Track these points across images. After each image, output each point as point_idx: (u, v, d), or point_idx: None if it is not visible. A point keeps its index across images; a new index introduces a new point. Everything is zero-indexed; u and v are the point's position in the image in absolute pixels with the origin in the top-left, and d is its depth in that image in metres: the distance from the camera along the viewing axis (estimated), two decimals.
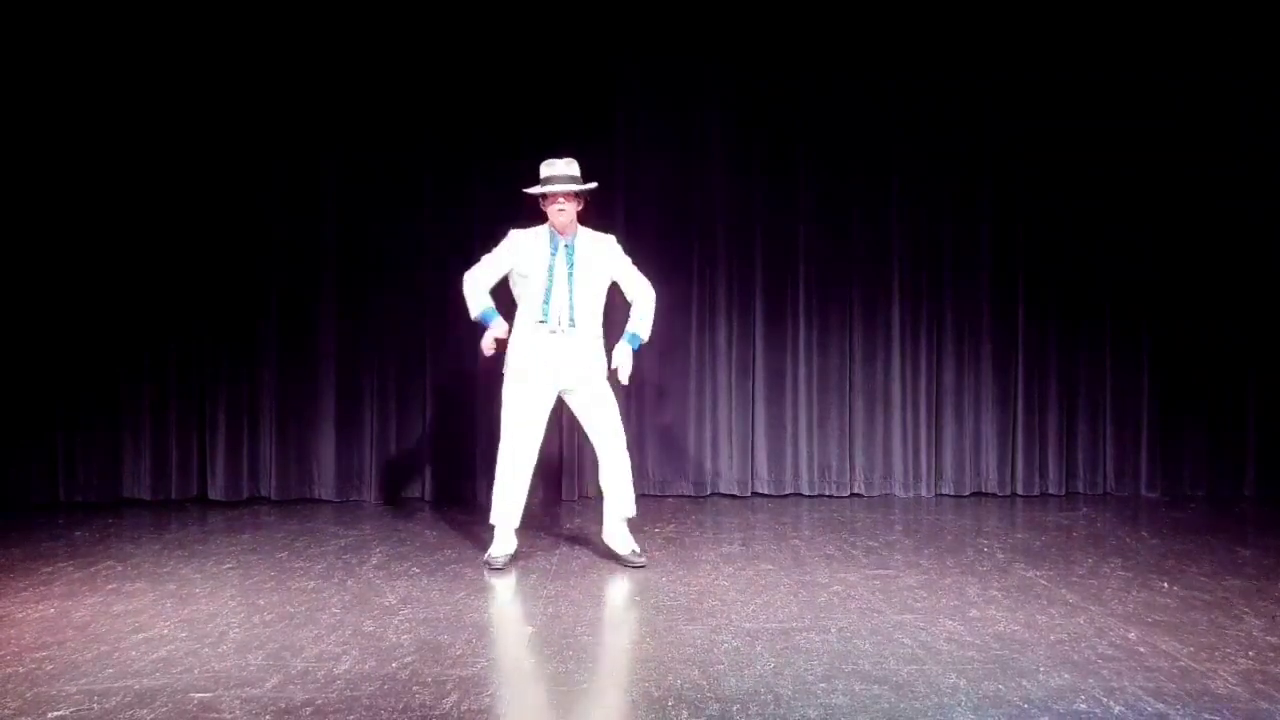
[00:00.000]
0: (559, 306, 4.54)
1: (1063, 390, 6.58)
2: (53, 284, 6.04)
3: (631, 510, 4.73)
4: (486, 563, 4.61)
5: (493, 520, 4.65)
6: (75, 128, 6.02)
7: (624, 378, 4.61)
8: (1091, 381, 6.59)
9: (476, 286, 4.59)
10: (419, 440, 6.35)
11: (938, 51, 6.37)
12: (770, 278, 6.53)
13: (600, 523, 4.79)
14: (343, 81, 6.20)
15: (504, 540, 4.65)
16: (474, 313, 4.58)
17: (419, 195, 6.28)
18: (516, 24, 6.22)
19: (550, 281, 4.54)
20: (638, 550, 4.70)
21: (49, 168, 6.02)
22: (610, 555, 4.74)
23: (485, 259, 4.64)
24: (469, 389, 6.34)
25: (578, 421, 4.84)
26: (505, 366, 4.63)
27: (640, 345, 4.66)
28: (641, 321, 4.66)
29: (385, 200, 6.25)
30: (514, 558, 4.67)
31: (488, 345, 4.54)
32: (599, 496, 4.88)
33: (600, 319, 4.66)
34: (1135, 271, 6.54)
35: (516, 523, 4.66)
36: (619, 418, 4.69)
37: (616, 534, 4.73)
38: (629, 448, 4.77)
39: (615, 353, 4.59)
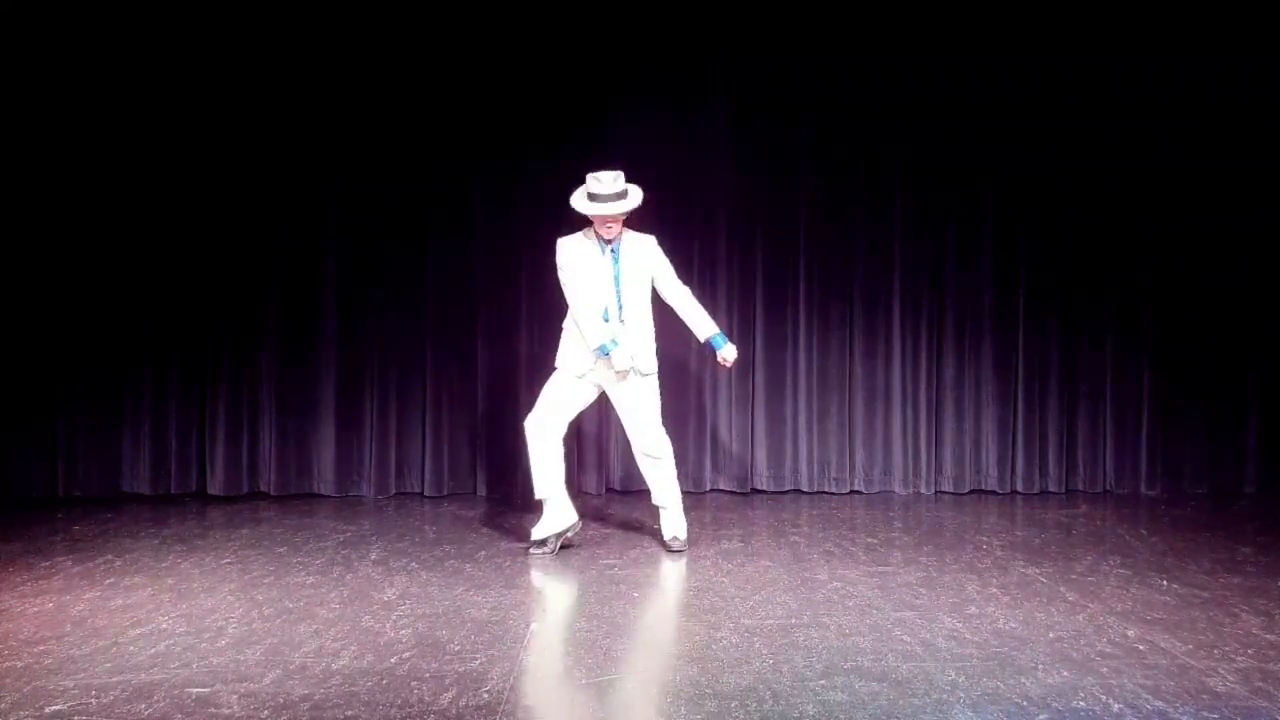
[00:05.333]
0: (609, 307, 4.70)
1: (1063, 387, 6.56)
2: (54, 279, 6.03)
3: (665, 500, 4.87)
4: (563, 540, 4.80)
5: (539, 495, 4.79)
6: (85, 136, 6.03)
7: (731, 359, 4.88)
8: (1092, 378, 6.57)
9: (589, 322, 4.68)
10: (418, 436, 6.34)
11: (940, 49, 6.34)
12: (771, 274, 6.52)
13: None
14: (345, 84, 6.16)
15: (561, 512, 4.79)
16: (592, 344, 4.68)
17: (420, 190, 6.27)
18: (514, 32, 6.18)
19: (601, 286, 4.71)
20: (679, 537, 4.84)
21: (57, 172, 6.02)
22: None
23: (569, 294, 4.74)
24: (469, 384, 6.35)
25: (612, 413, 4.96)
26: (558, 360, 4.81)
27: (722, 343, 4.85)
28: (709, 319, 4.87)
29: (386, 197, 6.24)
30: (561, 537, 4.79)
31: (619, 368, 4.70)
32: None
33: (649, 316, 4.82)
34: (1136, 268, 6.52)
35: (558, 485, 4.78)
36: (656, 414, 4.82)
37: (662, 520, 4.91)
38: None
39: (722, 353, 4.84)
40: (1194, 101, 6.37)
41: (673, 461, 4.90)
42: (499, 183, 6.28)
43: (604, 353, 4.66)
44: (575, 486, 6.31)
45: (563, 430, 4.80)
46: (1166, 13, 6.29)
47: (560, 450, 4.79)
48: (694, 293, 4.96)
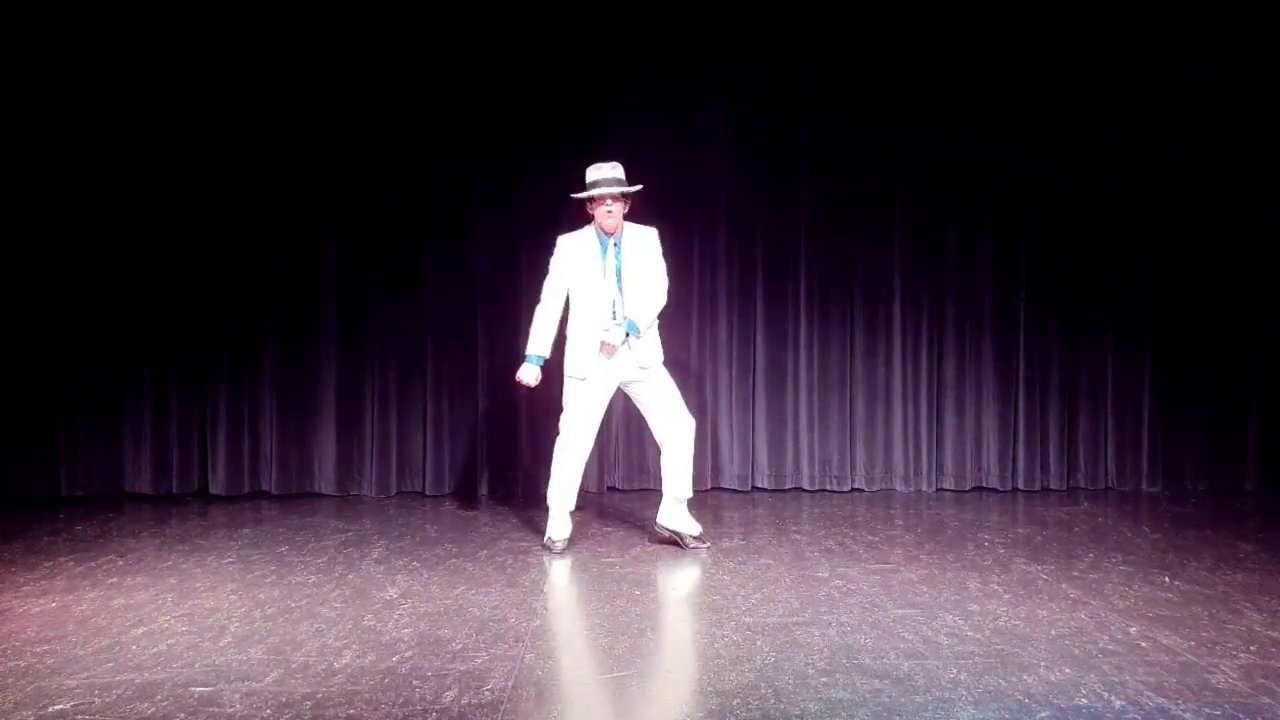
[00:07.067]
0: (613, 305, 4.72)
1: (1064, 384, 6.57)
2: (55, 280, 6.03)
3: (689, 493, 4.89)
4: (546, 546, 4.82)
5: (549, 504, 4.87)
6: (85, 136, 6.03)
7: (603, 351, 4.72)
8: (1093, 375, 6.58)
9: (540, 325, 4.81)
10: (419, 435, 6.34)
11: (940, 49, 6.33)
12: (771, 274, 6.52)
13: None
14: (345, 84, 6.15)
15: (560, 523, 4.86)
16: (528, 349, 4.80)
17: (420, 190, 6.27)
18: (514, 31, 6.18)
19: (603, 282, 4.73)
20: (698, 533, 4.88)
21: (57, 172, 6.01)
22: (667, 539, 4.90)
23: (545, 288, 4.82)
24: (470, 383, 6.35)
25: (613, 413, 4.95)
26: (565, 367, 4.80)
27: (635, 331, 4.73)
28: (637, 309, 4.74)
29: (386, 197, 6.23)
30: (570, 540, 4.86)
31: (523, 380, 4.80)
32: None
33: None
34: (1136, 268, 6.52)
35: (571, 506, 4.89)
36: (682, 404, 4.86)
37: (677, 515, 4.91)
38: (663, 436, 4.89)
39: (607, 331, 4.73)
40: (1194, 101, 6.37)
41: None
42: (499, 183, 6.28)
43: (531, 363, 4.75)
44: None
45: (590, 446, 4.86)
46: (1166, 13, 6.29)
47: (581, 469, 4.85)
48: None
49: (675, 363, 6.39)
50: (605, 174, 4.70)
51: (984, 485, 6.53)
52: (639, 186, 4.76)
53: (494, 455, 6.35)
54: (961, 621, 3.64)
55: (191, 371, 6.22)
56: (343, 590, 4.10)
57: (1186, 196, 6.45)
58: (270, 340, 6.24)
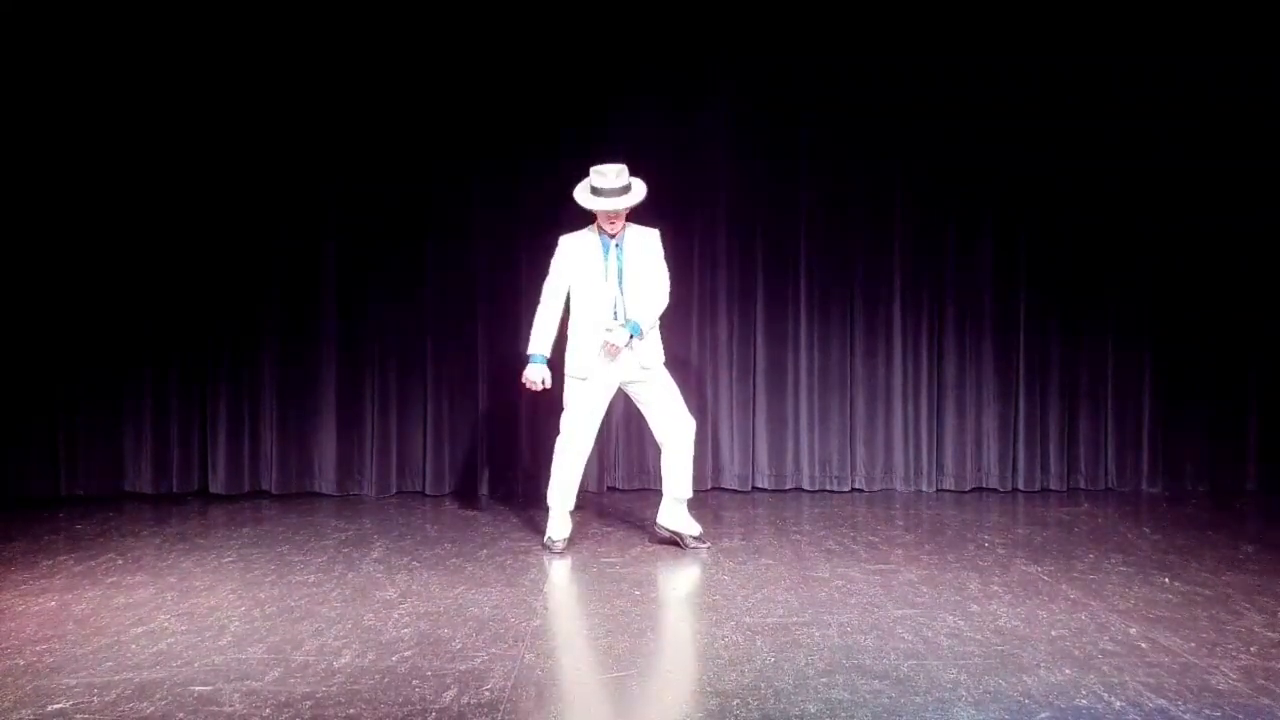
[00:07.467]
0: (614, 305, 4.73)
1: (1064, 384, 6.57)
2: (55, 280, 6.03)
3: (689, 493, 4.89)
4: (546, 545, 4.83)
5: (549, 503, 4.88)
6: (85, 136, 6.02)
7: (606, 351, 4.70)
8: (1093, 375, 6.58)
9: (540, 325, 4.83)
10: (419, 434, 6.34)
11: (940, 49, 6.33)
12: (771, 274, 6.51)
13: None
14: (345, 84, 6.15)
15: (560, 523, 4.87)
16: (530, 349, 4.82)
17: (420, 190, 6.26)
18: (514, 32, 6.18)
19: (604, 282, 4.73)
20: (698, 533, 4.90)
21: (57, 172, 6.00)
22: (667, 539, 4.92)
23: (546, 288, 4.83)
24: (470, 383, 6.35)
25: (613, 413, 4.95)
26: (566, 367, 4.80)
27: (638, 332, 4.73)
28: (639, 310, 4.74)
29: (386, 197, 6.23)
30: (570, 540, 4.87)
31: (531, 380, 4.81)
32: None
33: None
34: (1136, 268, 6.52)
35: (571, 505, 4.91)
36: (682, 404, 4.87)
37: (677, 516, 4.91)
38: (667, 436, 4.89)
39: (610, 331, 4.72)
40: (1194, 101, 6.37)
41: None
42: (499, 183, 6.28)
43: (533, 362, 4.76)
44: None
45: (591, 445, 4.87)
46: (1166, 13, 6.29)
47: (582, 468, 4.86)
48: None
49: (675, 362, 6.38)
50: (609, 182, 4.62)
51: (984, 486, 6.52)
52: (640, 198, 4.71)
53: (494, 455, 6.35)
54: (961, 622, 3.64)
55: (191, 371, 6.21)
56: (343, 590, 4.10)
57: (1186, 196, 6.44)
58: (270, 340, 6.23)
